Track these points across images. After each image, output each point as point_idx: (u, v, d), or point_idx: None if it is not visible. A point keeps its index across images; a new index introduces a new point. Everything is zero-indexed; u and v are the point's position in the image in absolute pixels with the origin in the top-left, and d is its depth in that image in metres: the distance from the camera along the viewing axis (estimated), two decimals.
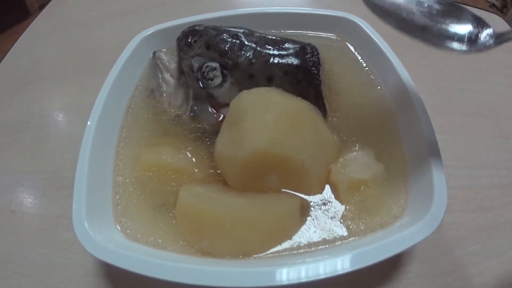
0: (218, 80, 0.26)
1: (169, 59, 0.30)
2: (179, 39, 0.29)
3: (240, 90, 0.26)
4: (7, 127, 0.39)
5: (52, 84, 0.43)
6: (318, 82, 0.26)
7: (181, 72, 0.28)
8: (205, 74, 0.26)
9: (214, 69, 0.26)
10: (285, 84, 0.26)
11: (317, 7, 0.36)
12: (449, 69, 0.41)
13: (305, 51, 0.27)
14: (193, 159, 0.27)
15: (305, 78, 0.26)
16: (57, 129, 0.38)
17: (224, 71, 0.26)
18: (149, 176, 0.27)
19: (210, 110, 0.27)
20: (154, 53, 0.31)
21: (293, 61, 0.26)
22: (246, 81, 0.26)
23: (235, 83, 0.26)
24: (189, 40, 0.28)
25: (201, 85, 0.27)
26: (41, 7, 0.58)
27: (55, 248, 0.28)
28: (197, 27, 0.29)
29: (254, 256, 0.22)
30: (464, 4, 0.52)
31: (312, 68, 0.26)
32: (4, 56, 0.46)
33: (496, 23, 0.47)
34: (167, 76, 0.30)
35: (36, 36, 0.50)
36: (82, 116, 0.38)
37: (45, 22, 0.52)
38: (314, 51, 0.27)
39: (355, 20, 0.33)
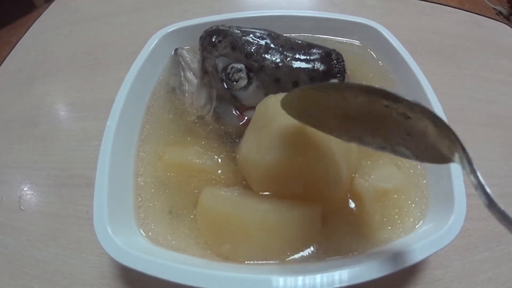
0: (243, 82, 0.26)
1: (191, 57, 0.30)
2: (202, 38, 0.28)
3: (265, 94, 0.26)
4: (16, 120, 0.37)
5: (63, 78, 0.42)
6: None
7: (204, 71, 0.28)
8: (230, 75, 0.26)
9: (240, 70, 0.26)
10: None
11: (332, 12, 0.36)
12: (463, 78, 0.41)
13: (331, 57, 0.27)
14: (219, 160, 0.27)
15: None
16: (69, 124, 0.37)
17: (249, 73, 0.26)
18: (172, 176, 0.26)
19: (234, 112, 0.27)
20: (176, 50, 0.30)
21: (319, 67, 0.26)
22: (272, 85, 0.26)
23: (261, 86, 0.26)
24: (213, 40, 0.27)
25: (226, 86, 0.27)
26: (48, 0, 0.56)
27: (67, 248, 0.28)
28: (220, 27, 0.28)
29: (275, 261, 0.22)
30: (470, 12, 0.52)
31: (338, 75, 0.26)
32: (11, 49, 0.45)
33: (502, 32, 0.48)
34: (189, 74, 0.29)
35: (46, 29, 0.49)
36: (95, 112, 0.37)
37: (55, 15, 0.51)
38: (340, 57, 0.27)
39: (376, 27, 0.33)
